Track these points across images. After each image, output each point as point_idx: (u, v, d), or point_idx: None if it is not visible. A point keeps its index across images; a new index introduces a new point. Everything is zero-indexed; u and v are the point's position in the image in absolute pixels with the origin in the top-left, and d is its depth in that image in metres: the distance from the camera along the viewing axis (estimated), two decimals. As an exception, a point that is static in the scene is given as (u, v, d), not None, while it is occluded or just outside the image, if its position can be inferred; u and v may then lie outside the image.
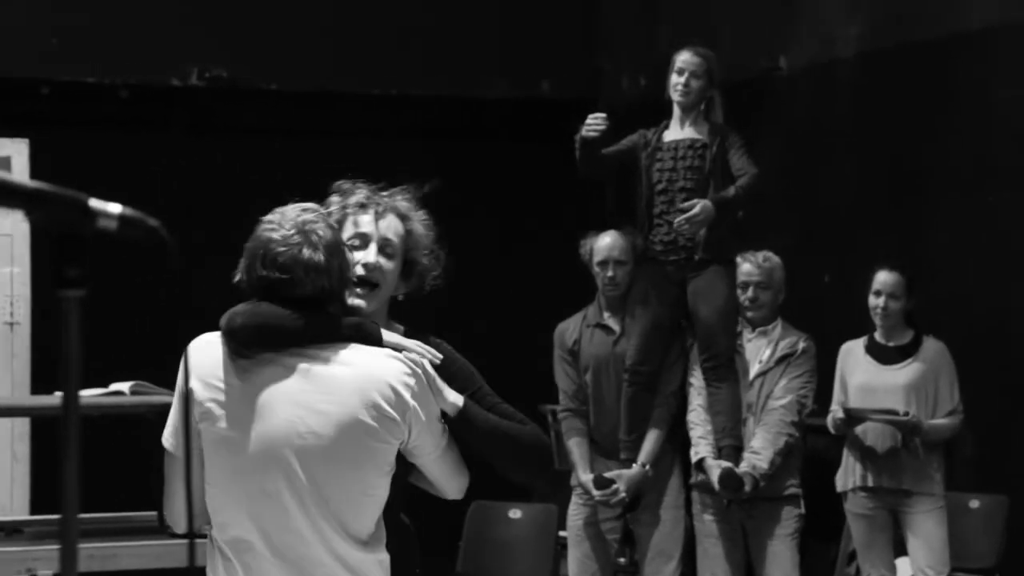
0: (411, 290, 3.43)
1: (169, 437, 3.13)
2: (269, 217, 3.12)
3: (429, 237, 3.45)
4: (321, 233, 3.07)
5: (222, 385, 3.02)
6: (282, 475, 2.99)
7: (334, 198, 3.43)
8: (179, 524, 3.20)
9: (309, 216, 3.11)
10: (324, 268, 3.03)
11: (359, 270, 3.25)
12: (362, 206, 3.37)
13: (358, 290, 3.25)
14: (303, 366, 3.03)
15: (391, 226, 3.36)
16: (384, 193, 3.45)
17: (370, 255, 3.30)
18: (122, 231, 1.67)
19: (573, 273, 6.44)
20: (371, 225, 3.34)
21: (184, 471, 3.07)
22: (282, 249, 3.02)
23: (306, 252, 3.02)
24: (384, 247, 3.33)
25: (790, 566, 5.94)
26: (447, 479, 3.25)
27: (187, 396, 3.01)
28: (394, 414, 3.02)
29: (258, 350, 3.05)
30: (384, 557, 3.08)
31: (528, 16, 8.91)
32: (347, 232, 3.30)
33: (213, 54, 8.32)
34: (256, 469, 3.00)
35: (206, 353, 3.06)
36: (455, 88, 8.78)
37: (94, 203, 1.66)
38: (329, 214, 3.28)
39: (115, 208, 1.67)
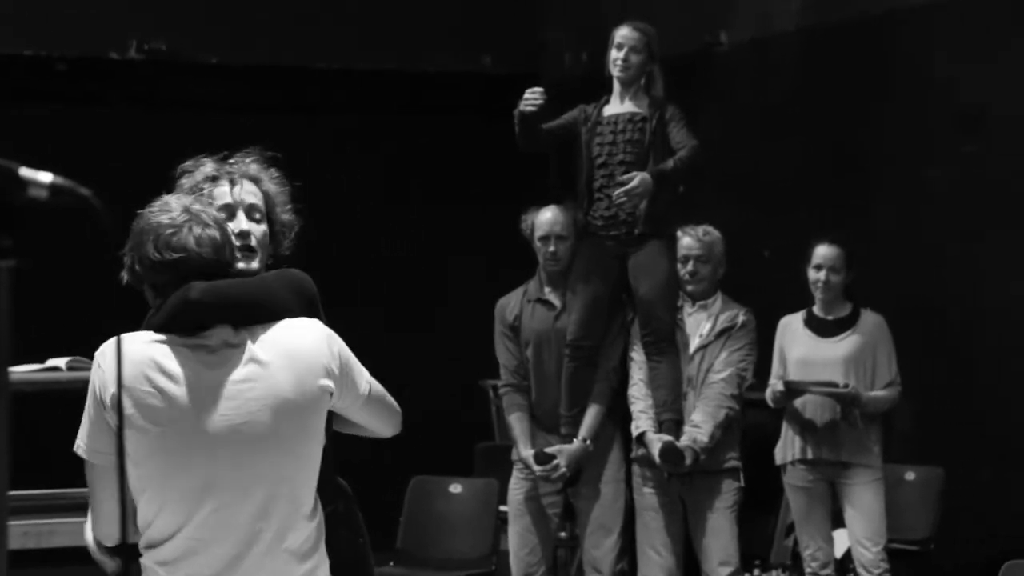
0: (277, 249, 3.42)
1: (84, 446, 2.95)
2: (149, 207, 3.04)
3: (285, 193, 3.43)
4: (208, 211, 3.04)
5: (149, 388, 2.89)
6: (227, 464, 2.91)
7: (183, 180, 3.39)
8: (111, 535, 3.03)
9: (189, 199, 3.07)
10: (220, 243, 2.99)
11: (235, 240, 3.19)
12: (214, 178, 3.35)
13: (239, 256, 3.21)
14: (231, 352, 2.95)
15: (249, 191, 3.36)
16: (232, 161, 3.42)
17: (242, 223, 3.30)
18: (53, 200, 1.66)
19: (514, 247, 6.44)
20: (230, 195, 3.33)
21: (118, 477, 2.90)
22: (173, 230, 2.96)
23: (197, 230, 2.96)
24: (250, 212, 3.33)
25: (729, 538, 5.98)
26: (380, 420, 3.21)
27: (118, 404, 2.86)
28: (328, 384, 2.99)
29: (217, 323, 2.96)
30: (321, 520, 3.06)
31: (470, -10, 8.91)
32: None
33: (153, 27, 8.25)
34: (196, 464, 2.91)
35: (124, 358, 2.92)
36: (398, 62, 8.75)
37: (24, 172, 1.65)
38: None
39: (46, 177, 1.66)
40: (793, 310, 6.31)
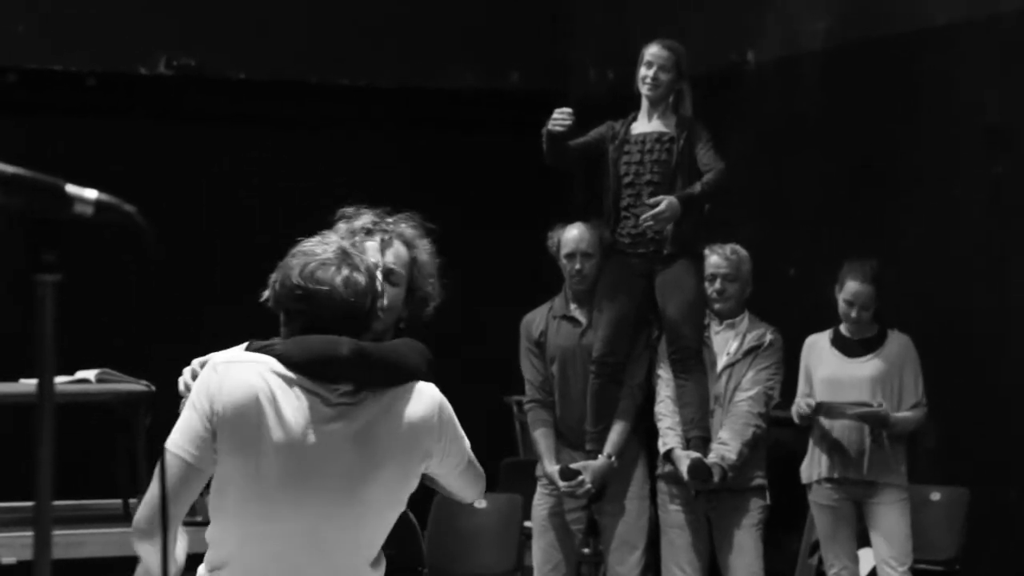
0: (412, 316, 3.44)
1: (187, 445, 2.90)
2: (310, 238, 3.06)
3: (433, 264, 3.46)
4: (365, 258, 3.04)
5: (257, 418, 2.89)
6: (309, 514, 2.90)
7: (340, 224, 3.41)
8: (150, 532, 2.94)
9: (348, 244, 3.07)
10: (364, 290, 2.96)
11: None
12: (368, 232, 3.37)
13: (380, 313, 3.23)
14: (348, 408, 2.94)
15: (397, 254, 3.38)
16: (389, 219, 3.44)
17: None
18: (98, 216, 1.68)
19: (540, 264, 6.45)
20: (377, 253, 3.34)
21: (189, 488, 2.89)
22: (322, 263, 2.96)
23: (346, 271, 2.95)
24: (388, 275, 3.35)
25: (754, 557, 5.98)
26: (469, 487, 3.25)
27: (211, 417, 2.89)
28: (431, 454, 3.01)
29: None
30: (383, 566, 3.07)
31: (498, 7, 8.92)
32: None
33: (181, 42, 8.30)
34: (278, 505, 2.90)
35: (239, 378, 2.92)
36: (424, 79, 8.78)
37: (71, 188, 1.67)
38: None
39: (91, 193, 1.68)
40: (819, 329, 6.30)
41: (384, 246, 3.36)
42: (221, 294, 8.19)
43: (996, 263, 6.80)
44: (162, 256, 1.75)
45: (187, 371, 3.12)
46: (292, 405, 2.91)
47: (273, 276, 3.03)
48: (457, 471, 3.13)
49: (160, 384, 5.81)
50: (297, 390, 2.92)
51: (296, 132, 8.49)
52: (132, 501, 5.66)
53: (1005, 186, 6.79)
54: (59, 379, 5.64)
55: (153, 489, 2.94)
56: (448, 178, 8.79)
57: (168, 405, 6.00)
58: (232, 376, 2.92)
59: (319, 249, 2.99)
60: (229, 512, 2.93)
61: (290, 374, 2.92)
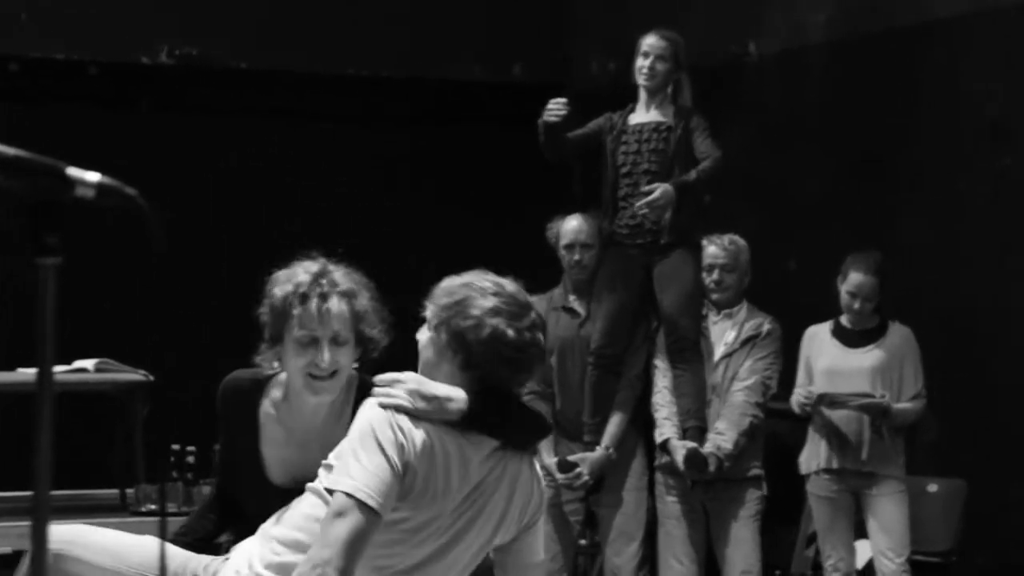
0: (360, 357, 3.45)
1: (378, 496, 2.99)
2: (479, 288, 3.20)
3: (376, 310, 3.44)
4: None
5: (430, 469, 3.04)
6: (450, 564, 3.13)
7: (275, 290, 3.38)
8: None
9: (524, 299, 3.26)
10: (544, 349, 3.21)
11: (313, 370, 3.29)
12: (304, 297, 3.33)
13: (320, 383, 3.31)
14: (499, 463, 3.14)
15: (340, 314, 3.34)
16: (322, 275, 3.39)
17: (324, 356, 3.30)
18: (99, 199, 1.68)
19: (540, 255, 6.46)
20: (315, 321, 3.31)
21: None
22: (532, 324, 3.14)
23: (540, 336, 3.21)
24: (334, 339, 3.33)
25: (751, 547, 5.99)
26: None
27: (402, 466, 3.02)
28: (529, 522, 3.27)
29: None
30: None
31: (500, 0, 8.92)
32: (293, 331, 3.31)
33: (183, 32, 8.29)
34: (424, 543, 3.09)
35: (427, 433, 3.06)
36: (427, 70, 8.77)
37: (72, 171, 1.67)
38: (275, 307, 3.32)
39: (93, 176, 1.69)
40: (818, 320, 6.31)
41: (321, 306, 3.32)
42: (225, 286, 8.20)
43: (998, 257, 6.80)
44: (165, 242, 1.74)
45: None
46: (459, 460, 3.08)
47: (441, 323, 3.13)
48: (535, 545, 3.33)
49: (159, 374, 5.81)
50: (465, 446, 3.09)
51: (299, 123, 8.49)
52: (129, 491, 5.67)
53: (1008, 180, 6.79)
54: (57, 368, 5.66)
55: (339, 530, 2.97)
56: (450, 170, 8.78)
57: (166, 395, 6.01)
58: (422, 430, 3.04)
59: (518, 299, 3.16)
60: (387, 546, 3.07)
61: (458, 434, 3.09)
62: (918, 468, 6.47)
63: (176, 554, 3.34)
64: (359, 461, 2.99)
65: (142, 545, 3.29)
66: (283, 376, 3.44)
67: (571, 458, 5.99)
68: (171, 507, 5.47)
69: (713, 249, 6.11)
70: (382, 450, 2.99)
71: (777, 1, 7.92)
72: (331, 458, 3.11)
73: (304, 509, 3.17)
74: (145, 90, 8.32)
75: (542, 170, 6.80)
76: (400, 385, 3.09)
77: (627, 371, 6.10)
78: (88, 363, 5.77)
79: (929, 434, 6.68)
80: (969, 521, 6.64)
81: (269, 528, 3.27)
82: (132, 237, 1.88)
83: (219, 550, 3.50)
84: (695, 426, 5.95)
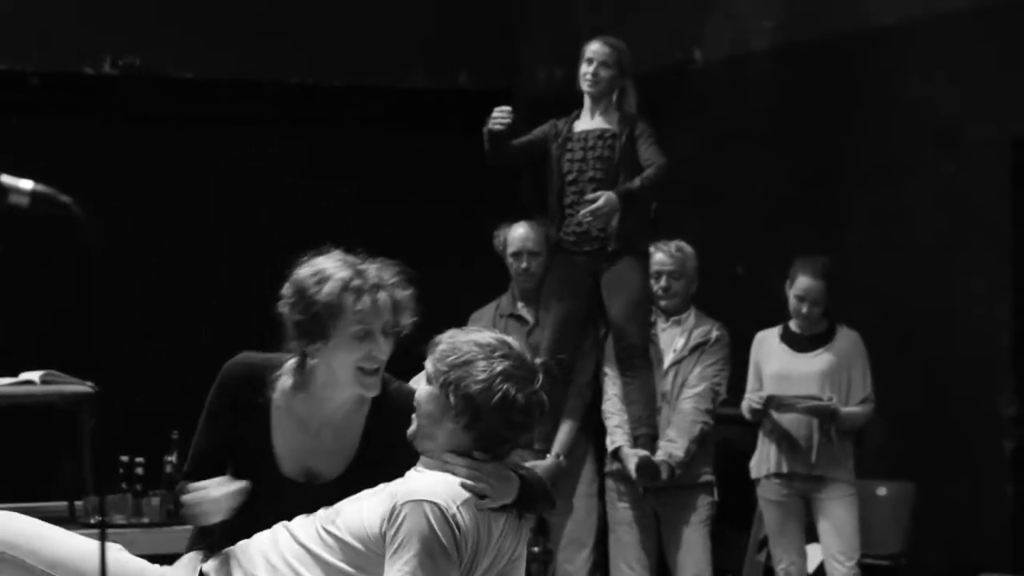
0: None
1: None
2: (491, 343, 3.19)
3: (412, 299, 3.42)
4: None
5: (473, 544, 3.12)
6: None
7: (321, 287, 3.33)
8: None
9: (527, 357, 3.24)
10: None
11: (367, 364, 3.30)
12: (359, 291, 3.31)
13: (371, 379, 3.32)
14: (512, 525, 3.25)
15: (386, 305, 3.35)
16: (364, 267, 3.38)
17: (382, 348, 3.33)
18: (34, 207, 1.67)
19: (487, 263, 6.45)
20: (372, 315, 3.31)
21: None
22: (538, 389, 3.17)
23: (545, 397, 3.21)
24: (385, 330, 3.35)
25: (702, 553, 5.99)
26: None
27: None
28: None
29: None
30: None
31: (447, 6, 8.92)
32: (349, 327, 3.29)
33: (127, 42, 8.25)
34: None
35: (472, 522, 3.10)
36: (373, 77, 8.76)
37: (5, 178, 1.65)
38: (325, 303, 3.28)
39: (27, 184, 1.67)
40: (766, 326, 6.33)
41: (376, 302, 3.31)
42: (169, 294, 8.16)
43: (944, 261, 6.85)
44: (100, 249, 1.72)
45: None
46: (489, 532, 3.15)
47: (466, 403, 3.14)
48: None
49: (107, 385, 5.77)
50: (490, 515, 3.16)
51: (244, 131, 8.45)
52: (78, 503, 5.62)
53: (953, 185, 6.84)
54: (3, 381, 5.61)
55: None
56: (396, 177, 8.77)
57: (115, 406, 5.96)
58: (471, 517, 3.09)
59: (525, 361, 3.15)
60: None
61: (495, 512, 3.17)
62: (867, 471, 6.50)
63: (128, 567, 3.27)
64: (428, 571, 3.02)
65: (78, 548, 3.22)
66: (290, 364, 3.38)
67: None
68: (119, 519, 5.41)
69: (660, 256, 6.12)
70: (448, 555, 3.04)
71: (722, 8, 7.95)
72: (374, 534, 3.12)
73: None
74: (88, 100, 8.26)
75: (489, 177, 6.80)
76: (462, 470, 3.14)
77: (576, 379, 6.10)
78: (34, 375, 5.72)
79: (877, 438, 6.72)
80: (918, 523, 6.68)
81: (260, 574, 3.22)
82: (71, 246, 1.86)
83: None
84: (646, 433, 5.95)
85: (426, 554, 3.00)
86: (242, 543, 3.30)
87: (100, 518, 2.81)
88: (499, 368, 3.11)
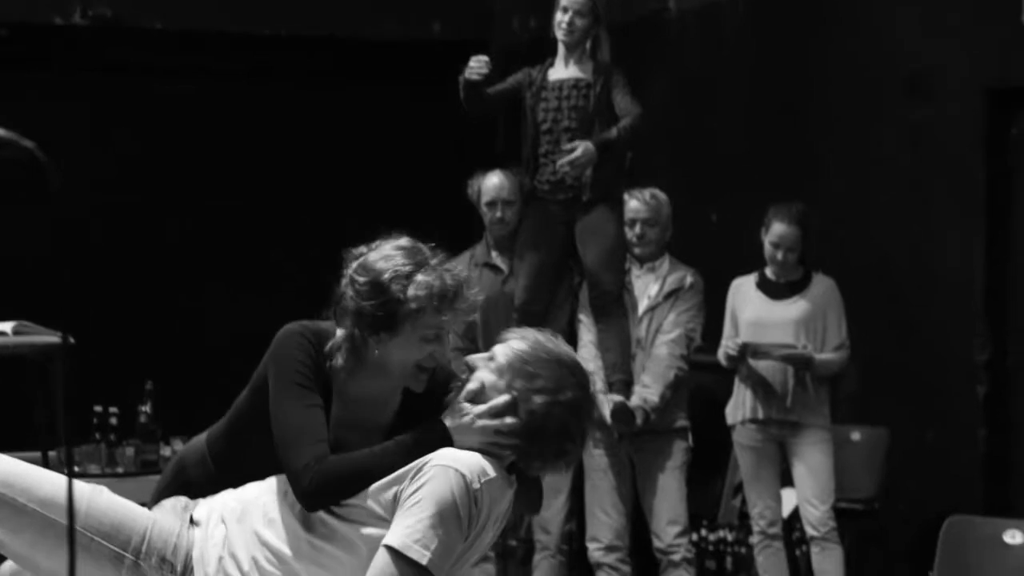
0: None
1: (444, 565, 3.03)
2: (571, 362, 3.27)
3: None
4: None
5: (486, 530, 3.14)
6: None
7: (407, 287, 3.29)
8: None
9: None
10: None
11: (429, 363, 3.31)
12: (444, 298, 3.30)
13: (426, 377, 3.35)
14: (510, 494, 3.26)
15: (463, 314, 3.39)
16: (450, 272, 3.37)
17: (448, 350, 3.44)
18: (-5, 150, 1.65)
19: (461, 212, 6.45)
20: (447, 319, 3.32)
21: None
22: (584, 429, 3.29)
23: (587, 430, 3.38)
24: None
25: (677, 498, 6.02)
26: None
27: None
28: None
29: None
30: None
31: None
32: (422, 328, 3.28)
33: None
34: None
35: (491, 500, 3.09)
36: (346, 29, 8.72)
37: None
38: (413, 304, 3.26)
39: (-13, 128, 1.66)
40: (739, 273, 6.34)
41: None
42: (138, 246, 8.13)
43: (917, 208, 6.87)
44: (63, 196, 1.71)
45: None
46: (503, 511, 3.18)
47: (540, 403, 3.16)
48: None
49: (81, 336, 5.75)
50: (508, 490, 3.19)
51: (215, 83, 8.41)
52: (52, 453, 5.61)
53: (926, 131, 6.84)
54: (-26, 332, 5.58)
55: None
56: (370, 128, 8.75)
57: (85, 357, 5.95)
58: (494, 495, 3.09)
59: (591, 397, 3.26)
60: None
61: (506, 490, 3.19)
62: (841, 417, 6.54)
63: (110, 505, 3.24)
64: (438, 535, 3.01)
65: (51, 482, 3.18)
66: (343, 343, 3.33)
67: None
68: (93, 468, 5.42)
69: (635, 204, 6.12)
70: (460, 526, 3.03)
71: (696, -45, 7.93)
72: (389, 502, 3.10)
73: (316, 540, 3.15)
74: (58, 51, 8.21)
75: (465, 127, 6.78)
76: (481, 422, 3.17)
77: (551, 326, 6.07)
78: (6, 326, 5.70)
79: (851, 384, 6.75)
80: (891, 468, 6.72)
81: (260, 529, 3.19)
82: (38, 195, 1.84)
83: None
84: (621, 380, 5.96)
85: (439, 518, 3.01)
86: (236, 495, 3.30)
87: (68, 469, 2.78)
88: (568, 396, 3.15)
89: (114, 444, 5.54)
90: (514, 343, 3.24)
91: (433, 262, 3.33)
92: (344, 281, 3.33)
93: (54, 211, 2.54)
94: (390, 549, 3.00)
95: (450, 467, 3.05)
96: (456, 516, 3.02)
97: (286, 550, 3.14)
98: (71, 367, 5.68)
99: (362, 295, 3.28)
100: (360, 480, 3.13)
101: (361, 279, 3.29)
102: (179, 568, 3.18)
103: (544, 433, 3.15)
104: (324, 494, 3.15)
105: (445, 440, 3.18)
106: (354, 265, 3.33)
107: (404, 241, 3.37)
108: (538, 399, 3.14)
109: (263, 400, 3.32)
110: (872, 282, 6.87)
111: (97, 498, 3.19)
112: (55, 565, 3.10)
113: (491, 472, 3.09)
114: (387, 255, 3.33)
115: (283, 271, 8.02)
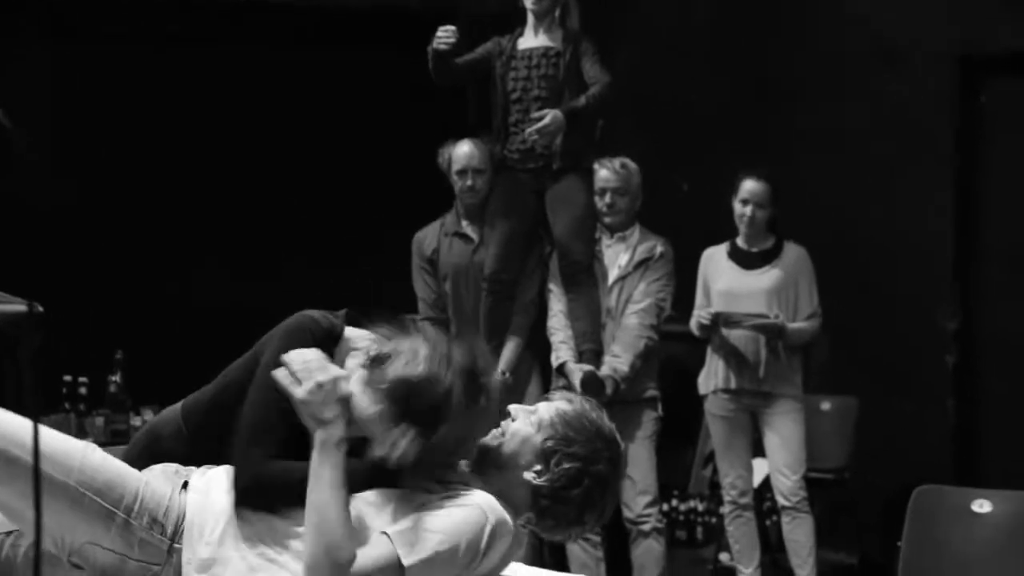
0: None
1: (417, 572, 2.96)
2: (608, 435, 3.20)
3: None
4: None
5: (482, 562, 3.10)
6: None
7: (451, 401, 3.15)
8: None
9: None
10: None
11: None
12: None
13: None
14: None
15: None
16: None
17: None
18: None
19: (431, 181, 6.42)
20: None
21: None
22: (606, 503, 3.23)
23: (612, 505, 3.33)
24: None
25: (648, 468, 6.03)
26: None
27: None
28: None
29: None
30: None
31: (389, -77, 8.81)
32: None
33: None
34: None
35: (504, 542, 3.07)
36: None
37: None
38: None
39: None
40: (710, 243, 6.35)
41: None
42: (108, 212, 8.08)
43: (887, 177, 6.88)
44: (30, 162, 1.68)
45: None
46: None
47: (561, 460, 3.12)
48: None
49: (50, 305, 5.71)
50: None
51: (186, 48, 8.34)
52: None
53: (894, 102, 6.85)
54: (-57, 302, 5.55)
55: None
56: (339, 96, 8.70)
57: (59, 326, 5.91)
58: (508, 537, 3.05)
59: (622, 470, 3.21)
60: None
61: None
62: (811, 387, 6.56)
63: (101, 465, 3.19)
64: (438, 553, 2.96)
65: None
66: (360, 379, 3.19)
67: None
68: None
69: (605, 173, 6.11)
70: (459, 553, 2.98)
71: (667, -77, 7.90)
72: (396, 511, 3.05)
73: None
74: (35, 17, 8.13)
75: (436, 96, 6.75)
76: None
77: (521, 296, 6.09)
78: (-28, 296, 5.66)
79: (822, 353, 6.77)
80: (861, 438, 6.75)
81: (243, 528, 3.13)
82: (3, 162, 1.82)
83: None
84: (591, 349, 5.96)
85: (449, 531, 2.99)
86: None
87: (34, 441, 2.76)
88: (599, 468, 3.12)
89: (84, 414, 5.52)
90: (560, 403, 3.21)
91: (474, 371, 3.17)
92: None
93: (19, 178, 2.51)
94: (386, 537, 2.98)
95: (485, 511, 3.03)
96: (464, 541, 2.99)
97: (294, 540, 3.11)
98: (41, 336, 5.65)
99: (392, 395, 3.09)
100: (291, 496, 3.06)
101: (392, 381, 3.09)
102: (169, 530, 3.15)
103: (567, 498, 3.11)
104: (253, 498, 3.11)
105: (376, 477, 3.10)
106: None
107: (434, 336, 3.18)
108: (569, 464, 3.11)
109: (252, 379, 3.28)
110: (841, 251, 6.88)
111: (91, 455, 3.18)
112: (45, 518, 3.08)
113: (509, 532, 3.06)
114: (419, 356, 3.11)
115: (253, 239, 7.98)
